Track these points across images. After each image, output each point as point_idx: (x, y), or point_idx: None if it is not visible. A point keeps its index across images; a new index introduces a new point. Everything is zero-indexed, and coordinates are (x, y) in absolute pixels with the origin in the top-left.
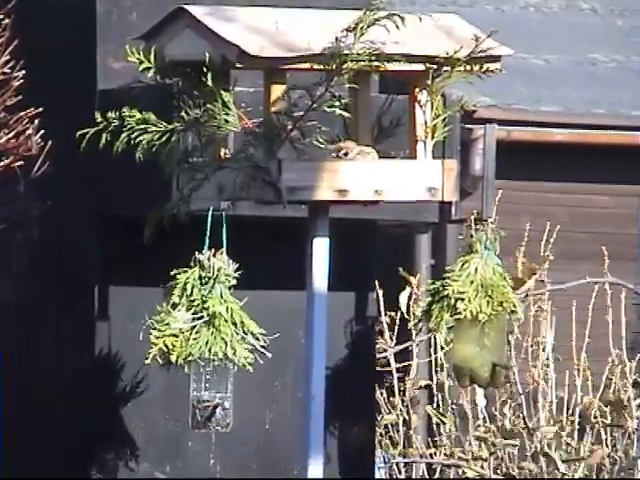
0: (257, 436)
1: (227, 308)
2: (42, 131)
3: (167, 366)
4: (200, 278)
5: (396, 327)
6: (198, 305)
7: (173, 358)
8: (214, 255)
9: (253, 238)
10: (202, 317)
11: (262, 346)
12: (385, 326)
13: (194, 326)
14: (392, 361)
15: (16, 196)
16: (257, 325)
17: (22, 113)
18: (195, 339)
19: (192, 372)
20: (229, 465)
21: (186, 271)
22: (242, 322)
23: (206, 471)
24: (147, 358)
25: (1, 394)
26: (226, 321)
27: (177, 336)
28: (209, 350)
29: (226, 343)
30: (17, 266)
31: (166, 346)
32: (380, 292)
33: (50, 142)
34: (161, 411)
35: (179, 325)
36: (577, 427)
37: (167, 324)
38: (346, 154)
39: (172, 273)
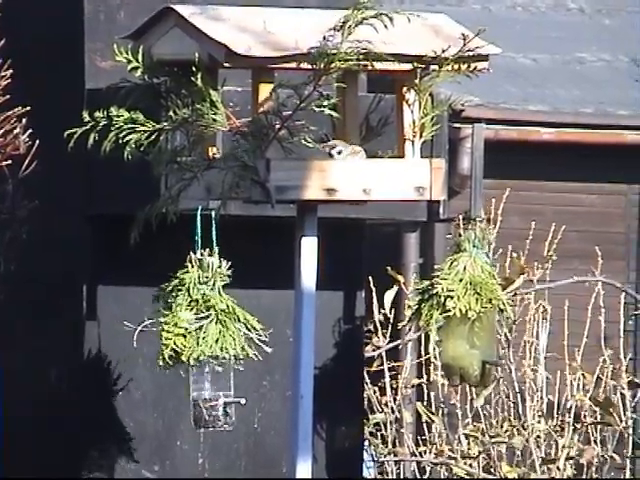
0: (246, 435)
1: (228, 306)
2: (30, 130)
3: (170, 367)
4: (199, 277)
5: (389, 326)
6: (200, 305)
7: (183, 358)
8: (210, 254)
9: (241, 237)
10: (209, 316)
11: (263, 341)
12: (378, 324)
13: (201, 325)
14: (384, 360)
15: (3, 196)
16: (255, 320)
17: (9, 112)
18: (204, 338)
19: (192, 372)
20: (218, 464)
21: (187, 271)
22: (245, 318)
23: (195, 470)
24: (158, 359)
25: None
26: (231, 318)
27: (185, 336)
28: (220, 348)
29: (234, 339)
30: (5, 266)
31: (176, 346)
32: (373, 290)
33: (38, 141)
34: (150, 410)
35: (185, 325)
36: (569, 426)
37: (175, 324)
38: (339, 152)
39: (178, 274)
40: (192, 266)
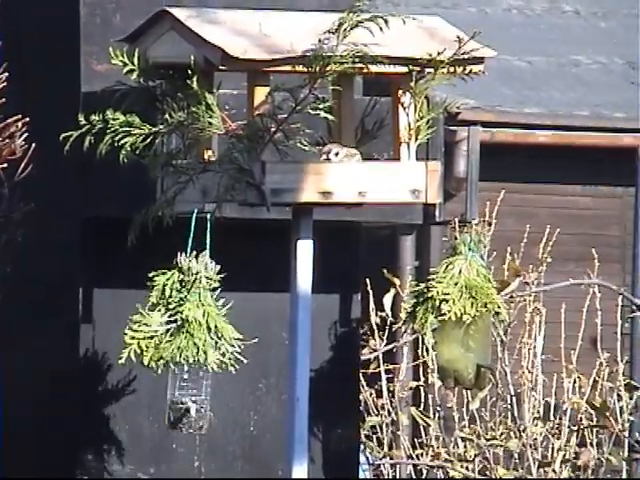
0: (242, 438)
1: (204, 312)
2: (26, 134)
3: (151, 368)
4: (180, 281)
5: (386, 328)
6: (175, 308)
7: (146, 360)
8: (195, 258)
9: (237, 240)
10: (176, 321)
11: (237, 352)
12: (374, 327)
13: (168, 329)
14: (381, 362)
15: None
16: (233, 330)
17: (9, 120)
18: (169, 342)
19: (170, 374)
20: (214, 467)
21: (165, 273)
22: (216, 327)
23: (190, 473)
24: (120, 358)
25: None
26: (200, 325)
27: (152, 338)
28: (180, 354)
29: (198, 348)
30: (1, 268)
31: (140, 347)
32: (370, 293)
33: (34, 145)
34: (145, 413)
35: (154, 327)
36: (566, 428)
37: (144, 324)
38: (337, 154)
39: (150, 275)
40: (173, 269)
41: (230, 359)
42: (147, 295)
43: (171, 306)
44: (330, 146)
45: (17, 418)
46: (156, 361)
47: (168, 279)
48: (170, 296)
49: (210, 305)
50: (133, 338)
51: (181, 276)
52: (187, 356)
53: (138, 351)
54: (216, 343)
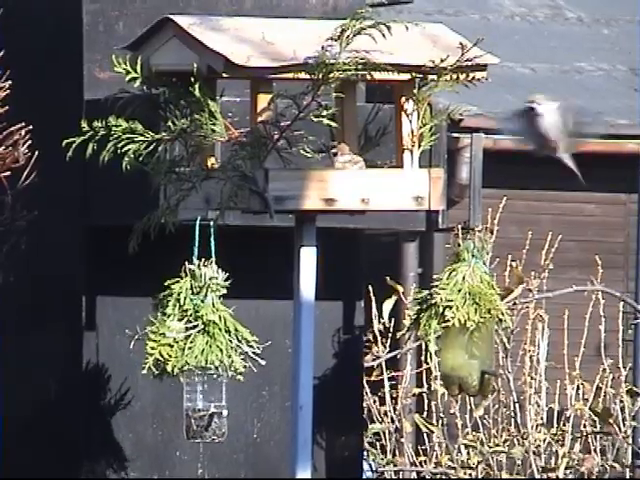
0: (245, 446)
1: (220, 317)
2: (29, 142)
3: (159, 376)
4: (191, 288)
5: (389, 335)
6: (191, 314)
7: (169, 368)
8: (205, 265)
9: (240, 248)
10: (196, 326)
11: (256, 354)
12: (377, 334)
13: (188, 335)
14: (384, 369)
15: (2, 207)
16: (250, 333)
17: (13, 128)
18: (190, 348)
19: (185, 382)
20: (217, 475)
21: (179, 281)
22: (236, 330)
23: None
24: (143, 369)
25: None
26: (220, 329)
27: (172, 346)
28: (205, 359)
29: (221, 351)
30: (4, 276)
31: (161, 356)
32: (373, 300)
33: (37, 153)
34: (149, 421)
35: (173, 335)
36: (569, 435)
37: (162, 334)
38: (335, 154)
39: (166, 284)
40: (185, 276)
41: (248, 361)
42: (156, 304)
43: (188, 312)
44: (341, 146)
45: (17, 418)
46: (180, 368)
47: (182, 287)
48: (184, 303)
49: (223, 310)
50: (154, 348)
51: (193, 283)
52: (212, 360)
53: (161, 359)
54: (237, 346)
